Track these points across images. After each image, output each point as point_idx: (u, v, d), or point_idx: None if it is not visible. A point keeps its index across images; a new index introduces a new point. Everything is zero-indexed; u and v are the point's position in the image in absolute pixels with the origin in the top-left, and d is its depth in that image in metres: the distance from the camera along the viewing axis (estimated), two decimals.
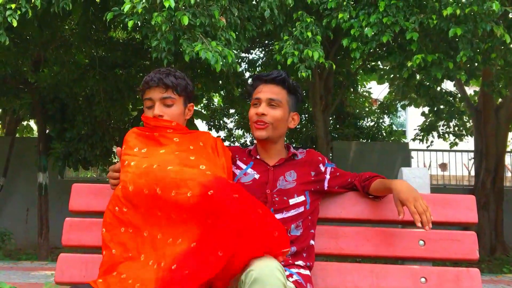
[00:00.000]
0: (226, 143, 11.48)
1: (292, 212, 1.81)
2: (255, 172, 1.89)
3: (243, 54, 9.37)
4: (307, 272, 1.77)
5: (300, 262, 1.77)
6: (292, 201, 1.82)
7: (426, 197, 1.97)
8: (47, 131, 8.38)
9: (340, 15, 5.09)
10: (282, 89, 1.90)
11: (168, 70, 1.88)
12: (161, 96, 1.82)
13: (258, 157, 1.93)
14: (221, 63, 4.35)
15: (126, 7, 4.27)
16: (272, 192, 1.83)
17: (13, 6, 4.21)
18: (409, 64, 5.17)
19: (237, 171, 1.92)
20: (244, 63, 9.87)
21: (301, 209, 1.82)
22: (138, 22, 4.49)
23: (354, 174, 1.94)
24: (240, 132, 12.20)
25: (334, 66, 5.47)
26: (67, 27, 7.90)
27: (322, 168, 1.91)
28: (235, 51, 4.88)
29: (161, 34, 4.39)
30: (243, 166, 1.93)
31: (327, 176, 1.92)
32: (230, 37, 4.70)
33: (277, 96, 1.88)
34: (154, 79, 1.81)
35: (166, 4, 4.13)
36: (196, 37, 4.49)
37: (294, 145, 10.76)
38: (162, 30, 4.33)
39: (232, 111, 11.73)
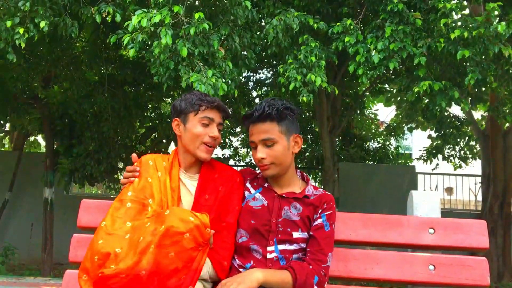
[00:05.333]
0: (231, 162, 11.49)
1: (295, 246, 1.80)
2: (263, 198, 1.87)
3: (251, 73, 9.43)
4: None
5: None
6: (296, 235, 1.80)
7: (437, 221, 1.95)
8: (55, 146, 8.42)
9: (346, 39, 5.12)
10: (271, 122, 1.82)
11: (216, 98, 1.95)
12: (219, 121, 1.91)
13: (266, 185, 1.92)
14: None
15: (126, 39, 4.40)
16: (277, 221, 1.81)
17: (21, 31, 4.32)
18: (416, 89, 5.16)
19: (246, 193, 1.92)
20: (252, 82, 9.93)
21: (304, 245, 1.81)
22: (141, 48, 4.57)
23: (318, 247, 1.78)
24: (245, 150, 12.21)
25: (336, 92, 5.47)
26: (77, 44, 8.00)
27: (318, 214, 1.83)
28: (235, 77, 4.93)
29: (160, 62, 4.47)
30: (252, 190, 1.92)
31: (313, 223, 1.83)
32: (227, 66, 4.74)
33: (268, 134, 1.82)
34: (220, 103, 1.90)
35: (164, 42, 4.23)
36: (194, 64, 4.54)
37: (299, 166, 10.77)
38: (160, 59, 4.42)
39: (238, 130, 11.76)
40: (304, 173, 1.99)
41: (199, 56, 4.56)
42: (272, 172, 1.85)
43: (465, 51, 4.78)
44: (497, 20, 4.81)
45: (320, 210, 1.83)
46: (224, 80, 4.56)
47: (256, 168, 1.99)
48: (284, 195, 1.86)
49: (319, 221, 1.81)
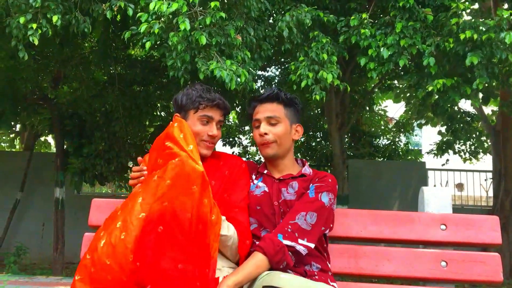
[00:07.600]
0: None
1: None
2: (264, 185, 1.91)
3: (260, 72, 9.42)
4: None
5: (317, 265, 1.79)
6: None
7: (448, 217, 1.94)
8: (65, 146, 8.48)
9: (362, 31, 5.07)
10: (278, 104, 1.93)
11: (216, 91, 1.94)
12: (219, 119, 1.91)
13: (265, 172, 1.96)
14: (235, 81, 4.37)
15: (143, 27, 4.36)
16: (279, 202, 1.85)
17: (34, 26, 4.31)
18: (430, 88, 5.10)
19: (250, 184, 1.96)
20: (261, 80, 9.92)
21: None
22: (156, 42, 4.55)
23: (291, 210, 1.80)
24: (254, 149, 12.21)
25: (348, 88, 5.44)
26: (87, 44, 8.05)
27: (309, 187, 1.86)
28: (251, 69, 4.90)
29: (177, 53, 4.46)
30: (255, 181, 1.97)
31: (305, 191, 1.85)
32: (246, 56, 4.73)
33: (274, 112, 1.91)
34: (219, 100, 1.88)
35: (182, 27, 4.21)
36: (211, 55, 4.54)
37: (309, 164, 10.75)
38: (177, 49, 4.41)
39: (247, 128, 11.76)
40: (303, 159, 2.04)
41: (216, 47, 4.56)
42: (272, 151, 1.91)
43: (473, 58, 4.72)
44: (507, 27, 4.74)
45: (311, 184, 1.85)
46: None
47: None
48: (281, 178, 1.91)
49: (307, 192, 1.83)
